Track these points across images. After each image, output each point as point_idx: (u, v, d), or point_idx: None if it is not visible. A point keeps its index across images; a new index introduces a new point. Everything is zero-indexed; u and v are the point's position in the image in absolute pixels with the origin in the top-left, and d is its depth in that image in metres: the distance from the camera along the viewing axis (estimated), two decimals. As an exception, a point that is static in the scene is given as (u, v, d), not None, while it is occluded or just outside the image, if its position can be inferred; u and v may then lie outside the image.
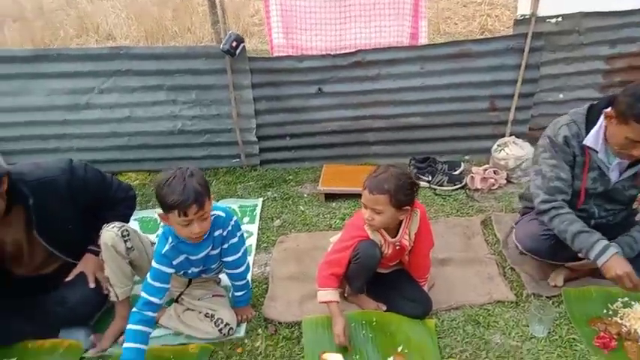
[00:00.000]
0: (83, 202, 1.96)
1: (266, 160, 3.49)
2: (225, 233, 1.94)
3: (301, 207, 3.01)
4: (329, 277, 1.92)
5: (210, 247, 1.93)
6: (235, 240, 1.98)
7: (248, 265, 2.08)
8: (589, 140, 1.92)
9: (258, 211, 2.96)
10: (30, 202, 1.79)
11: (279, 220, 2.87)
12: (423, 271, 2.11)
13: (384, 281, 2.09)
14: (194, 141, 3.35)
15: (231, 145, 3.38)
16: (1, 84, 3.08)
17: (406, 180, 1.82)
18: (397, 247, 1.97)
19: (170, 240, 1.84)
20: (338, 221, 2.83)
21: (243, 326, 2.07)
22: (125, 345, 1.71)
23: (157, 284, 1.82)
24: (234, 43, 2.94)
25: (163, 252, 1.83)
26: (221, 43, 2.96)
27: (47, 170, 1.87)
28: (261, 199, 3.09)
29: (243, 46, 3.02)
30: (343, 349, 1.87)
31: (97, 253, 2.02)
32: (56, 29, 6.32)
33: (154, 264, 1.84)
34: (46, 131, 3.23)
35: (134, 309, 1.78)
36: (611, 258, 1.79)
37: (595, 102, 1.98)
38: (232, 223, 1.96)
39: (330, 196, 3.06)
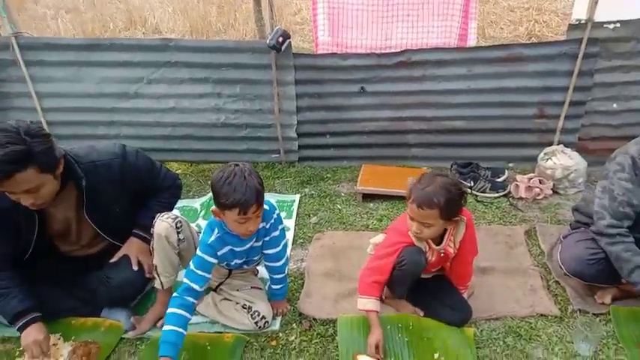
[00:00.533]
0: (132, 187, 2.01)
1: (304, 157, 3.50)
2: (268, 226, 1.95)
3: (338, 205, 3.00)
4: (371, 285, 1.89)
5: (254, 240, 1.95)
6: (277, 233, 1.99)
7: (287, 259, 2.09)
8: None
9: (295, 207, 2.97)
10: (83, 183, 1.85)
11: (315, 217, 2.86)
12: (465, 279, 2.06)
13: (424, 286, 2.05)
14: (236, 134, 3.39)
15: (272, 140, 3.40)
16: (56, 70, 3.21)
17: (456, 191, 1.75)
18: (442, 255, 1.93)
19: (216, 231, 1.86)
20: (375, 222, 2.80)
21: (278, 320, 2.07)
22: (165, 327, 1.74)
23: (200, 272, 1.84)
24: (280, 39, 2.96)
25: (209, 242, 1.85)
26: (266, 39, 2.98)
27: (101, 154, 1.93)
28: (298, 196, 3.09)
29: (289, 42, 3.03)
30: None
31: (141, 237, 2.07)
32: (106, 22, 6.55)
33: (198, 253, 1.87)
34: (96, 118, 3.35)
35: (175, 294, 1.82)
36: None
37: None
38: (275, 216, 1.97)
39: (368, 197, 3.04)
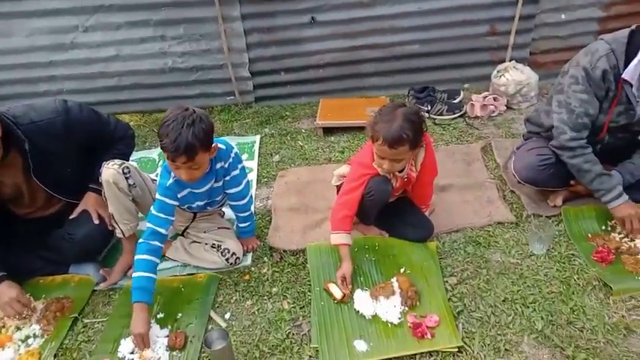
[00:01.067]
0: (80, 143, 1.92)
1: (261, 97, 3.42)
2: (226, 165, 1.93)
3: (300, 142, 2.99)
4: (342, 220, 1.91)
5: (212, 180, 1.92)
6: (237, 172, 1.97)
7: (251, 196, 2.09)
8: (627, 74, 1.83)
9: (256, 147, 2.94)
10: (26, 146, 1.75)
11: (278, 156, 2.85)
12: (426, 199, 2.13)
13: (387, 210, 2.10)
14: (186, 79, 3.26)
15: (224, 82, 3.30)
16: (-21, 25, 2.94)
17: (418, 120, 1.75)
18: (405, 180, 1.97)
19: (172, 174, 1.83)
20: (337, 154, 2.81)
21: (249, 256, 2.11)
22: (135, 274, 1.74)
23: (162, 215, 1.83)
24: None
25: (167, 185, 1.83)
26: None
27: (41, 112, 1.81)
28: (258, 136, 3.05)
29: (231, -26, 2.86)
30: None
31: (97, 191, 2.01)
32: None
33: (158, 196, 1.84)
34: (33, 74, 3.13)
35: (141, 240, 1.80)
36: (623, 203, 1.93)
37: (637, 26, 1.84)
38: (233, 155, 1.94)
39: (328, 130, 3.03)
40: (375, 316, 1.77)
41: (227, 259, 2.02)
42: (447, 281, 1.89)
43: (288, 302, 1.87)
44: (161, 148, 1.66)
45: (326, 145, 2.92)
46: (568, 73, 1.97)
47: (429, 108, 3.07)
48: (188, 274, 2.05)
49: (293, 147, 2.95)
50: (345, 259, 1.91)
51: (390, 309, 1.78)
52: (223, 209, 2.27)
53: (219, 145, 1.89)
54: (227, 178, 1.97)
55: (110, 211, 1.93)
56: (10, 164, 1.79)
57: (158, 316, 1.85)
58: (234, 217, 2.21)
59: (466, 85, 3.38)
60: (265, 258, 2.10)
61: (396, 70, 3.33)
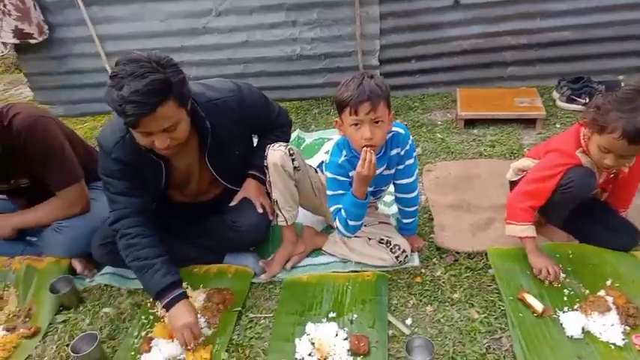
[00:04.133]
0: (248, 126, 1.82)
1: (387, 87, 3.21)
2: (402, 152, 1.74)
3: (438, 134, 2.75)
4: (526, 210, 1.68)
5: (384, 167, 1.74)
6: (411, 162, 1.78)
7: (418, 190, 1.88)
8: None
9: (391, 139, 2.73)
10: (207, 125, 1.64)
11: (419, 149, 2.63)
12: (628, 201, 1.83)
13: (578, 210, 1.82)
14: (312, 67, 3.13)
15: (352, 70, 3.12)
16: (117, 9, 2.96)
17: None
18: (611, 176, 1.68)
19: (345, 153, 1.69)
20: (487, 148, 2.55)
21: (416, 255, 1.90)
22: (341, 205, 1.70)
23: (341, 192, 1.71)
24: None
25: (340, 162, 1.69)
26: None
27: (218, 91, 1.69)
28: (391, 127, 2.85)
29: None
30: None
31: (257, 178, 1.89)
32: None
33: (329, 175, 1.72)
34: (163, 60, 3.11)
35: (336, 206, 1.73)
36: None
37: None
38: (410, 142, 1.75)
39: (469, 122, 2.77)
40: (590, 335, 1.50)
41: (397, 257, 1.82)
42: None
43: (477, 311, 1.64)
44: (342, 105, 1.56)
45: (470, 139, 2.66)
46: None
47: (588, 100, 2.73)
48: (351, 271, 1.87)
49: (432, 140, 2.71)
50: (536, 255, 1.67)
51: (607, 328, 1.51)
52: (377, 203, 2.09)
53: (398, 130, 1.71)
54: (401, 166, 1.77)
55: (274, 197, 1.80)
56: (187, 146, 1.67)
57: (330, 315, 1.69)
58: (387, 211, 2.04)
59: (621, 77, 2.99)
60: (434, 259, 1.89)
61: (541, 59, 3.00)
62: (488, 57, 3.04)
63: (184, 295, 1.63)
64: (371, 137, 1.54)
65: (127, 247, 1.66)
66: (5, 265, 2.01)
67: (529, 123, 2.68)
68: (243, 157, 1.86)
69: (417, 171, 1.83)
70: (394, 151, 1.73)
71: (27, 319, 1.83)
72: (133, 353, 1.64)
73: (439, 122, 2.88)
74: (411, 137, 1.76)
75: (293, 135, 2.87)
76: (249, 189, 1.89)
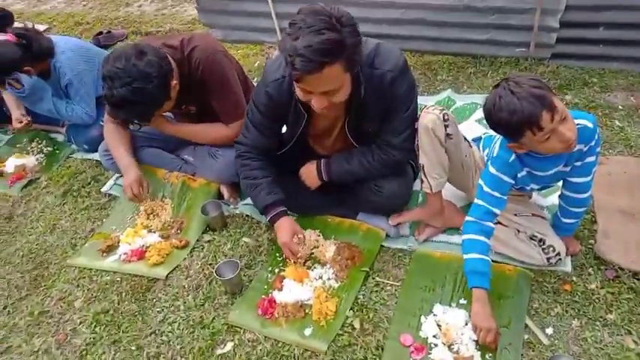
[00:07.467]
0: (388, 107, 1.67)
1: (560, 54, 2.80)
2: (585, 149, 1.50)
3: (617, 122, 2.35)
4: None
5: (562, 165, 1.53)
6: (592, 159, 1.53)
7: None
8: None
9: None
10: (362, 92, 1.57)
11: (591, 134, 2.28)
12: None
13: None
14: (478, 20, 2.81)
15: (523, 30, 2.75)
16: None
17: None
18: None
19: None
20: (687, 147, 2.13)
21: (569, 260, 1.71)
22: (467, 256, 1.51)
23: (497, 195, 1.53)
24: None
25: (510, 161, 1.51)
26: None
27: (384, 60, 1.55)
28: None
29: None
30: None
31: (318, 168, 1.86)
32: None
33: (493, 171, 1.54)
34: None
35: (470, 218, 1.54)
36: None
37: None
38: (596, 137, 1.50)
39: (661, 113, 2.32)
40: None
41: (549, 259, 1.65)
42: None
43: (634, 340, 1.44)
44: (523, 128, 1.33)
45: (658, 133, 2.24)
46: None
47: None
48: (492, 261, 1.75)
49: (608, 127, 2.33)
50: None
51: None
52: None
53: (586, 123, 1.45)
54: (578, 163, 1.54)
55: (421, 161, 1.69)
56: (336, 106, 1.59)
57: (460, 301, 1.62)
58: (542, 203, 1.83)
59: None
60: (590, 269, 1.68)
61: None
62: None
63: (284, 214, 1.80)
64: (571, 135, 1.34)
65: (241, 166, 1.83)
66: (165, 177, 2.24)
67: None
68: (374, 134, 1.75)
69: (595, 169, 1.59)
70: (577, 148, 1.49)
71: (179, 231, 2.05)
72: (266, 287, 1.76)
73: (619, 106, 2.45)
74: (598, 131, 1.51)
75: (443, 95, 2.68)
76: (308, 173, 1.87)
